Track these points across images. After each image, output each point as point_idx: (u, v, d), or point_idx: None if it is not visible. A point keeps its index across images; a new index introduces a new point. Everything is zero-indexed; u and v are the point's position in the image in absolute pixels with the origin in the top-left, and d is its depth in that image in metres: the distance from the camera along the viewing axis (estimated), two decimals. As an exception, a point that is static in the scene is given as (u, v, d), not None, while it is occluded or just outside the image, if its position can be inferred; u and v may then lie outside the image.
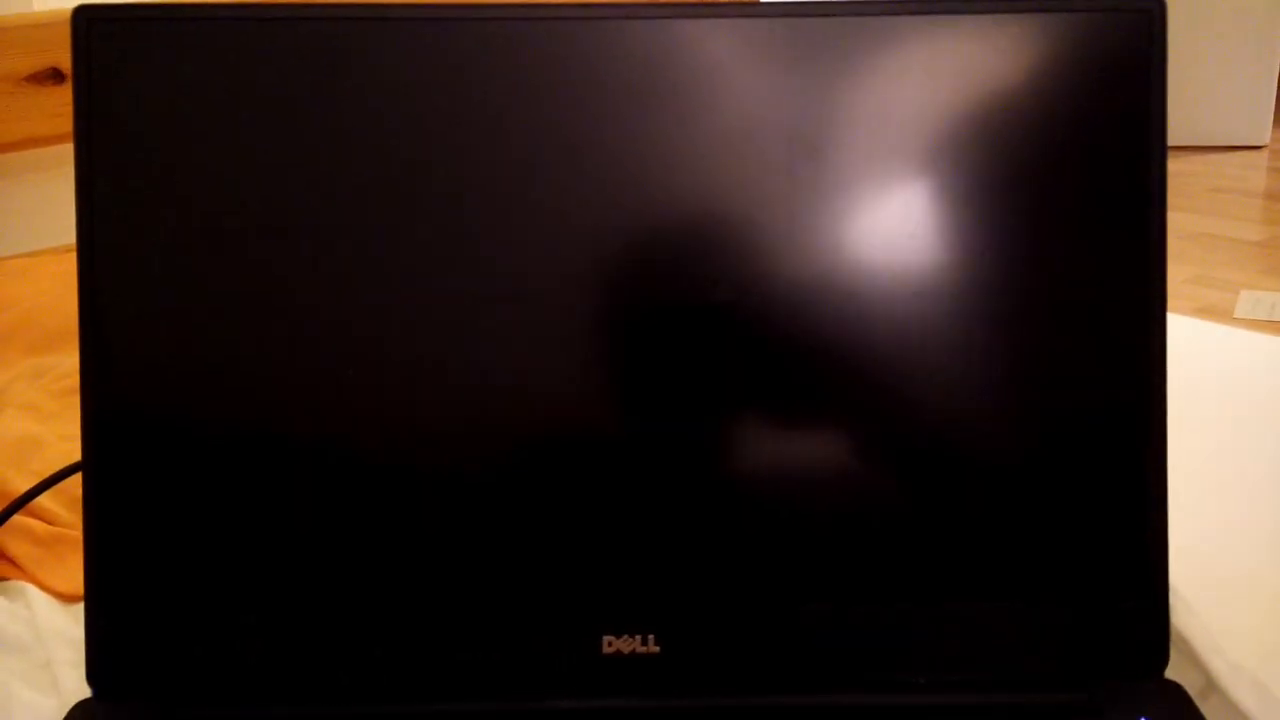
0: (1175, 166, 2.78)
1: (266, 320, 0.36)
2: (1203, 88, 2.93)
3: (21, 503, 0.48)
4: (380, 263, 0.35)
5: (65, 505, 0.49)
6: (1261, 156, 2.89)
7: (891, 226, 0.36)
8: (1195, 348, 0.64)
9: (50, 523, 0.48)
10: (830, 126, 0.36)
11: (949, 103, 0.36)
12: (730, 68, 0.36)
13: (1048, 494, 0.36)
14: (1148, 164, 0.36)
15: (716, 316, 0.36)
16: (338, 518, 0.36)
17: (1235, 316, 1.79)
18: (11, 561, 0.47)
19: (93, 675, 0.35)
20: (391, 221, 0.35)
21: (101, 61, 0.35)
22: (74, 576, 0.44)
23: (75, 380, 0.35)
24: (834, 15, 0.36)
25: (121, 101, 0.35)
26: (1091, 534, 0.36)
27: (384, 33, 0.35)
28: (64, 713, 0.35)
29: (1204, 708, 0.35)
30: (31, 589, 0.45)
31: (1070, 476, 0.36)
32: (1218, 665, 0.36)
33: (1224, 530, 0.46)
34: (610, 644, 0.36)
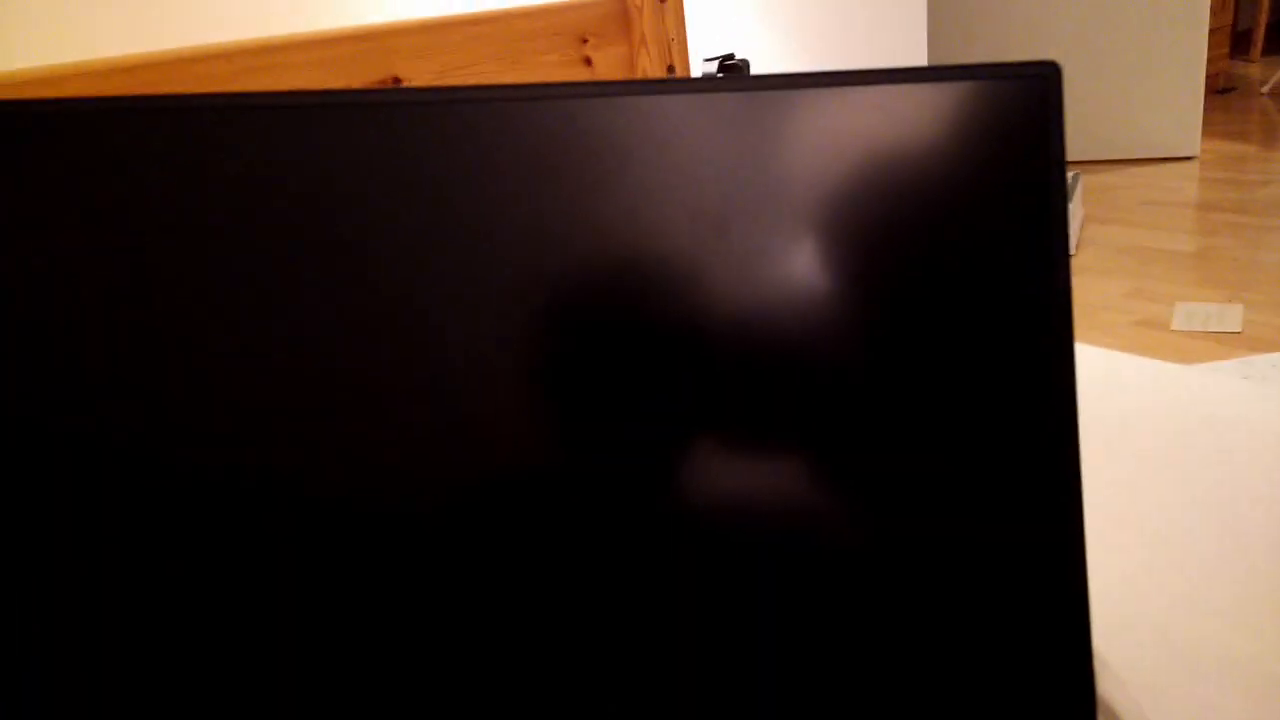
0: (1108, 180, 2.85)
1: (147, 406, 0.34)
2: (1132, 101, 2.99)
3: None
4: (289, 331, 0.34)
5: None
6: (1193, 167, 2.95)
7: (791, 295, 0.36)
8: (1104, 381, 0.64)
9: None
10: (739, 193, 0.35)
11: (847, 173, 0.36)
12: (632, 141, 0.36)
13: (962, 557, 0.36)
14: (1049, 227, 0.36)
15: (627, 387, 0.35)
16: (209, 592, 0.34)
17: (1172, 329, 1.82)
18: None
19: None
20: (310, 293, 0.34)
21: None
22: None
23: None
24: (735, 90, 0.36)
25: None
26: (1009, 601, 0.36)
27: (267, 120, 0.34)
28: None
29: (1132, 782, 0.35)
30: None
31: (985, 540, 0.36)
32: (1145, 735, 0.36)
33: (1142, 580, 0.45)
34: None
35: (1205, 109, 3.06)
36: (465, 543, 0.35)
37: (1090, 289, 2.04)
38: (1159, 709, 0.37)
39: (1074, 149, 3.11)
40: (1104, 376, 0.63)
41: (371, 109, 0.35)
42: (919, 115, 0.36)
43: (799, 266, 0.36)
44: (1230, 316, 1.84)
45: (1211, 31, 3.03)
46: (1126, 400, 0.61)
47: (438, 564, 0.35)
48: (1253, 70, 4.22)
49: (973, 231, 0.36)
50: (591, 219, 0.35)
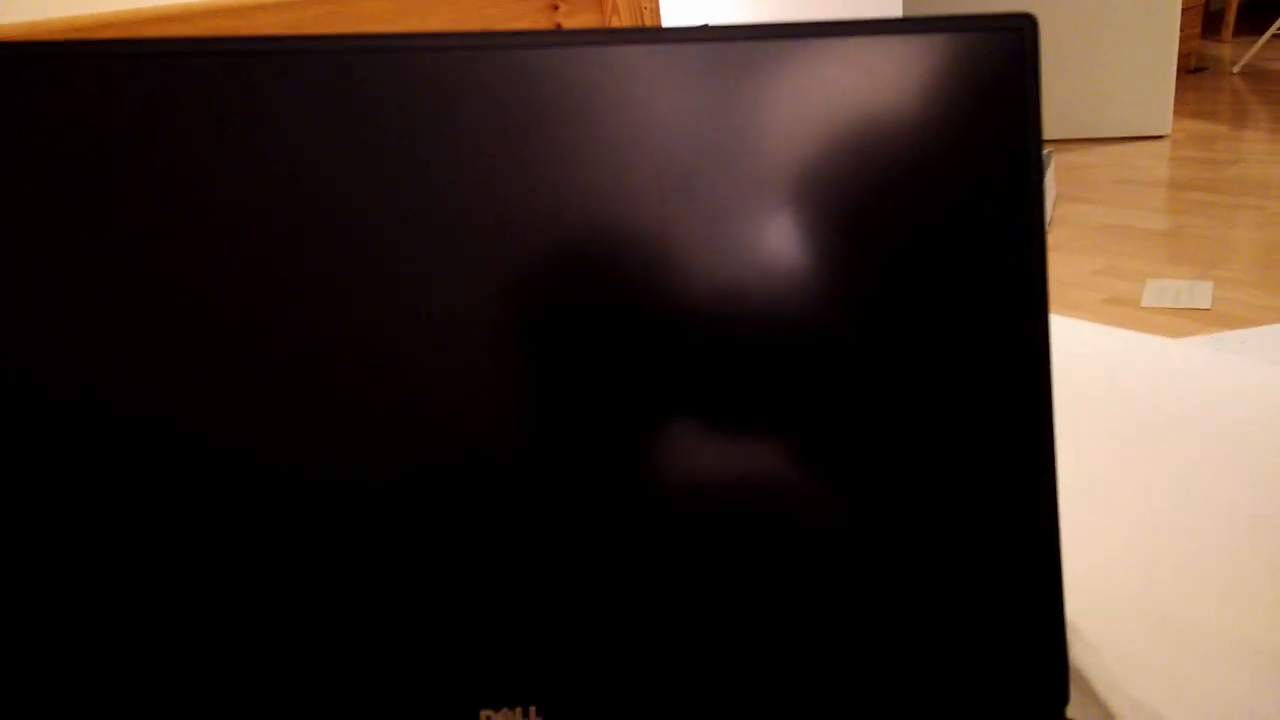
0: (1081, 159, 2.85)
1: (134, 368, 0.33)
2: (1105, 80, 2.99)
3: None
4: (269, 292, 0.33)
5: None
6: (1164, 146, 2.96)
7: (769, 255, 0.34)
8: (1084, 351, 0.64)
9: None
10: (706, 150, 0.34)
11: (826, 126, 0.34)
12: (596, 93, 0.34)
13: (937, 531, 0.35)
14: (1025, 184, 0.35)
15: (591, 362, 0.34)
16: (193, 582, 0.33)
17: (1142, 305, 1.82)
18: None
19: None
20: (276, 254, 0.33)
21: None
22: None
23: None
24: (703, 41, 0.35)
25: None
26: (984, 572, 0.35)
27: (217, 66, 0.33)
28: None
29: (1105, 748, 0.34)
30: None
31: (960, 512, 0.35)
32: (1118, 702, 0.35)
33: (1118, 553, 0.45)
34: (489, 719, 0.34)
35: (1177, 88, 3.07)
36: (426, 522, 0.34)
37: (1062, 266, 2.04)
38: (1136, 678, 0.36)
39: (1047, 128, 3.11)
40: (1077, 348, 0.63)
41: (326, 55, 0.33)
42: (892, 67, 0.34)
43: (770, 228, 0.34)
44: (1200, 293, 1.85)
45: (1184, 11, 3.03)
46: (1102, 371, 0.61)
47: (405, 543, 0.34)
48: (1224, 50, 4.24)
49: (948, 187, 0.35)
50: (554, 175, 0.34)
